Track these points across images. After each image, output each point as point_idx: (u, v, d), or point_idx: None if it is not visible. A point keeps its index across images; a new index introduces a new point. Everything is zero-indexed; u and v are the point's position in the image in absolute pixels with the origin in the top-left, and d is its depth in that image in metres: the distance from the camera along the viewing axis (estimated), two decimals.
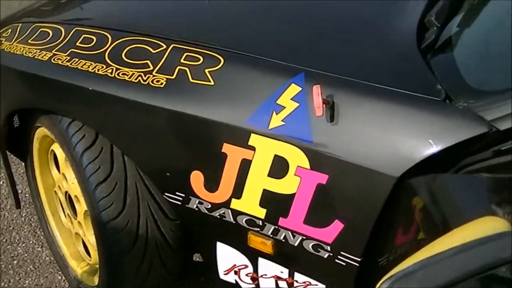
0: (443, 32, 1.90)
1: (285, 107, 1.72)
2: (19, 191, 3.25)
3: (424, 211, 1.58)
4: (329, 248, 1.75)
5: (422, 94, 1.63)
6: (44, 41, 2.25)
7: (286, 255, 1.87)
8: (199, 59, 1.90)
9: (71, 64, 2.08)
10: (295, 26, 2.06)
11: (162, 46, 1.99)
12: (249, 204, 1.81)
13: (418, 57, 1.79)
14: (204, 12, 2.23)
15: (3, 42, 2.41)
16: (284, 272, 1.92)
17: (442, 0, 2.04)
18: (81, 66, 2.05)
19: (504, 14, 1.97)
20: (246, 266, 2.00)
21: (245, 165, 1.76)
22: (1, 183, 3.53)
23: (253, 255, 1.96)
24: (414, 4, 2.07)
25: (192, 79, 1.87)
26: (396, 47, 1.87)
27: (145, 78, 1.92)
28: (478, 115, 1.55)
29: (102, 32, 2.15)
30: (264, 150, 1.73)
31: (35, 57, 2.20)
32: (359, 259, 1.72)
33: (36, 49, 2.23)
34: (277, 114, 1.72)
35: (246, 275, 2.02)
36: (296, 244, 1.80)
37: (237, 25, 2.12)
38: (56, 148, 2.45)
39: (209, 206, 1.90)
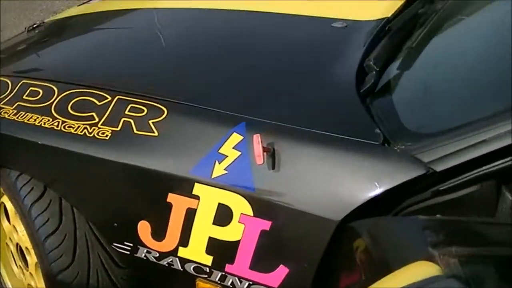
0: (382, 76, 1.96)
1: (227, 156, 1.75)
2: None
3: (365, 254, 1.61)
4: None
5: (360, 139, 1.68)
6: None
7: None
8: (143, 111, 1.93)
9: (18, 117, 2.10)
10: (236, 74, 2.11)
11: (107, 98, 2.01)
12: (196, 251, 1.83)
13: (357, 101, 1.83)
14: (148, 63, 2.26)
15: None
16: None
17: (380, 44, 2.11)
18: (28, 120, 2.07)
19: (441, 58, 2.04)
20: None
21: (190, 214, 1.79)
22: None
23: None
24: (353, 49, 2.13)
25: (137, 130, 1.89)
26: (335, 93, 1.91)
27: (90, 131, 1.94)
28: (415, 157, 1.59)
29: (49, 84, 2.17)
30: (208, 199, 1.76)
31: None
32: None
33: None
34: (219, 163, 1.75)
35: None
36: None
37: (179, 75, 2.15)
38: (6, 200, 2.45)
39: (157, 254, 1.91)
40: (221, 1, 2.66)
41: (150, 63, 2.26)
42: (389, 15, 2.36)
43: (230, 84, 2.05)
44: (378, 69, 1.95)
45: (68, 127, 1.98)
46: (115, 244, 2.03)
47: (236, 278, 1.81)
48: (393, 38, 2.16)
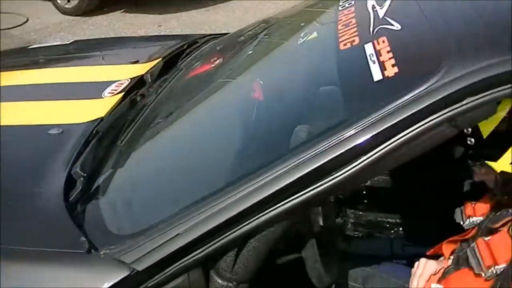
0: (90, 182, 2.05)
1: None
2: None
3: None
4: None
5: (67, 249, 1.76)
6: None
7: None
8: None
9: None
10: None
11: None
12: None
13: (64, 212, 1.90)
14: None
15: None
16: None
17: (89, 148, 2.19)
18: None
19: (141, 159, 2.19)
20: None
21: None
22: None
23: None
24: (66, 155, 2.18)
25: None
26: (45, 205, 1.98)
27: None
28: (119, 260, 1.69)
29: None
30: None
31: None
32: None
33: None
34: None
35: None
36: None
37: None
38: None
39: None
40: None
41: None
42: (103, 115, 2.44)
43: None
44: (85, 175, 2.02)
45: None
46: None
47: None
48: (102, 140, 2.26)
